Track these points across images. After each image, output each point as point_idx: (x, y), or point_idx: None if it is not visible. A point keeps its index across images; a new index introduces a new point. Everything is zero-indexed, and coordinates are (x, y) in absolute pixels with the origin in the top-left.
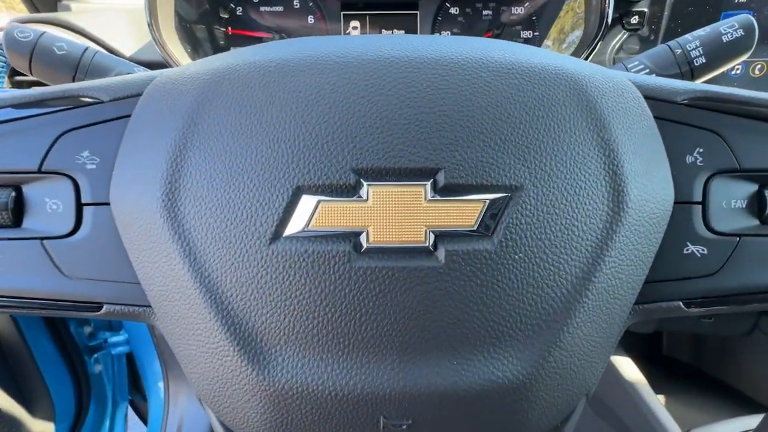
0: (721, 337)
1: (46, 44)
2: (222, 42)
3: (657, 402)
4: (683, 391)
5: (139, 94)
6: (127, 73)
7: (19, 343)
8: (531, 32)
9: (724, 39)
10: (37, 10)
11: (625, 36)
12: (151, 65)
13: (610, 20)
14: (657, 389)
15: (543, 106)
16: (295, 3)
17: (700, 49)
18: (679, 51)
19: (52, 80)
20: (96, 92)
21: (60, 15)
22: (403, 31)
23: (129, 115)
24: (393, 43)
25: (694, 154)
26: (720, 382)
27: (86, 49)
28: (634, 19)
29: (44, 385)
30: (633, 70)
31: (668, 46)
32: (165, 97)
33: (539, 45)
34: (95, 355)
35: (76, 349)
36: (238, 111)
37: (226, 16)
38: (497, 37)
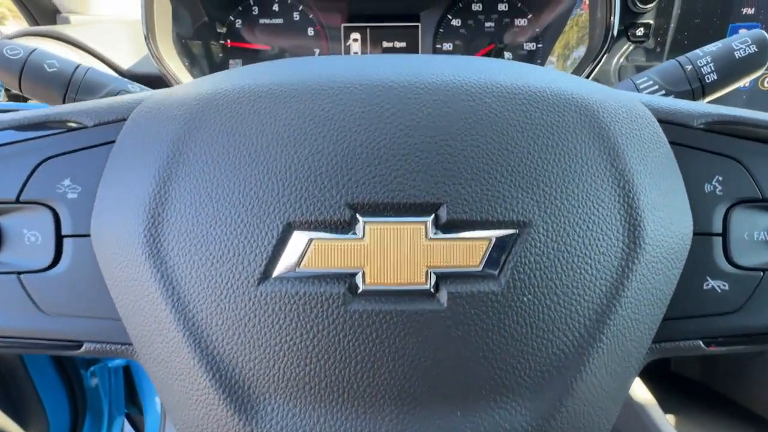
0: (732, 354)
1: (37, 61)
2: (220, 54)
3: (666, 422)
4: (693, 410)
5: (125, 119)
6: (120, 91)
7: (12, 356)
8: (534, 44)
9: (737, 55)
10: (37, 22)
11: (630, 48)
12: (150, 78)
13: (615, 33)
14: (665, 408)
15: (552, 134)
16: (294, 15)
17: (711, 65)
18: (689, 67)
19: (42, 98)
20: (80, 116)
21: (57, 28)
22: (404, 44)
23: (114, 141)
24: (391, 65)
25: (713, 183)
26: (731, 401)
27: (78, 66)
28: (640, 32)
29: (38, 398)
30: (642, 86)
31: (678, 61)
32: (150, 123)
33: (543, 58)
34: (91, 368)
35: (71, 362)
36: (225, 140)
37: (225, 29)
38: (500, 50)
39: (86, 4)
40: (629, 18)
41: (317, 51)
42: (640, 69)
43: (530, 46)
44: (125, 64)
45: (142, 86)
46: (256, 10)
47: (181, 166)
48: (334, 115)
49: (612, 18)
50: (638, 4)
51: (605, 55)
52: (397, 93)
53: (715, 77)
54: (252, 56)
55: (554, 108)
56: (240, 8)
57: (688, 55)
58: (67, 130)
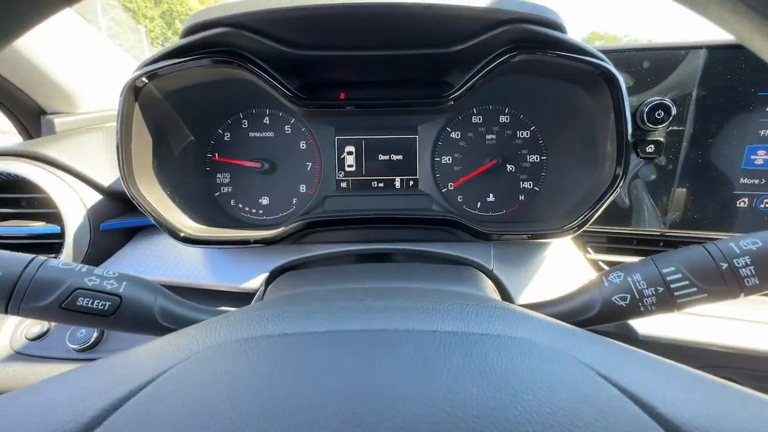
0: None
1: None
2: (207, 168)
3: None
4: None
5: None
6: (76, 291)
7: None
8: (538, 157)
9: None
10: (21, 124)
11: (641, 164)
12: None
13: (625, 179)
14: None
15: None
16: (286, 128)
17: (751, 268)
18: (725, 266)
19: None
20: None
21: (32, 146)
22: (401, 156)
23: None
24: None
25: None
26: None
27: (30, 263)
28: (650, 148)
29: None
30: (669, 277)
31: (710, 254)
32: None
33: (548, 171)
34: None
35: None
36: None
37: (213, 142)
38: (502, 163)
39: (74, 104)
40: (639, 134)
41: (309, 164)
42: (650, 186)
43: (534, 158)
44: (107, 180)
45: (102, 274)
46: (245, 123)
47: None
48: None
49: (619, 169)
50: (647, 123)
51: (613, 195)
52: None
53: (756, 282)
54: (240, 171)
55: None
56: (229, 121)
57: (722, 248)
58: None
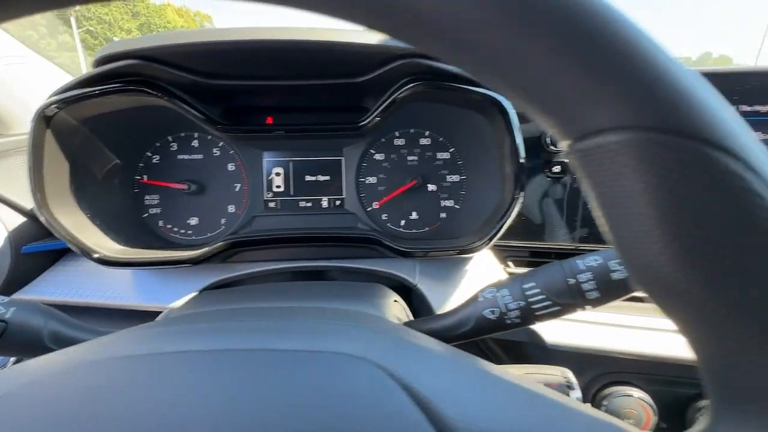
0: None
1: None
2: (136, 190)
3: None
4: None
5: None
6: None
7: None
8: (458, 176)
9: (613, 276)
10: None
11: (551, 183)
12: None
13: (521, 197)
14: None
15: None
16: (214, 151)
17: (593, 282)
18: (572, 281)
19: None
20: None
21: None
22: (327, 177)
23: None
24: None
25: None
26: None
27: None
28: (557, 168)
29: None
30: (528, 292)
31: (563, 269)
32: None
33: (468, 190)
34: None
35: None
36: None
37: (142, 165)
38: (423, 183)
39: (5, 125)
40: (546, 155)
41: (238, 186)
42: (560, 204)
43: (454, 178)
44: (30, 202)
45: (10, 304)
46: (174, 146)
47: None
48: None
49: (517, 191)
50: (551, 146)
51: (511, 215)
52: None
53: (598, 295)
54: (169, 192)
55: None
56: (158, 144)
57: (571, 265)
58: None
